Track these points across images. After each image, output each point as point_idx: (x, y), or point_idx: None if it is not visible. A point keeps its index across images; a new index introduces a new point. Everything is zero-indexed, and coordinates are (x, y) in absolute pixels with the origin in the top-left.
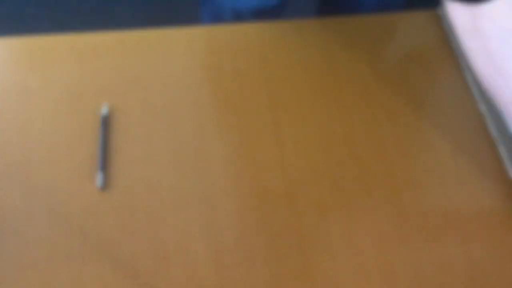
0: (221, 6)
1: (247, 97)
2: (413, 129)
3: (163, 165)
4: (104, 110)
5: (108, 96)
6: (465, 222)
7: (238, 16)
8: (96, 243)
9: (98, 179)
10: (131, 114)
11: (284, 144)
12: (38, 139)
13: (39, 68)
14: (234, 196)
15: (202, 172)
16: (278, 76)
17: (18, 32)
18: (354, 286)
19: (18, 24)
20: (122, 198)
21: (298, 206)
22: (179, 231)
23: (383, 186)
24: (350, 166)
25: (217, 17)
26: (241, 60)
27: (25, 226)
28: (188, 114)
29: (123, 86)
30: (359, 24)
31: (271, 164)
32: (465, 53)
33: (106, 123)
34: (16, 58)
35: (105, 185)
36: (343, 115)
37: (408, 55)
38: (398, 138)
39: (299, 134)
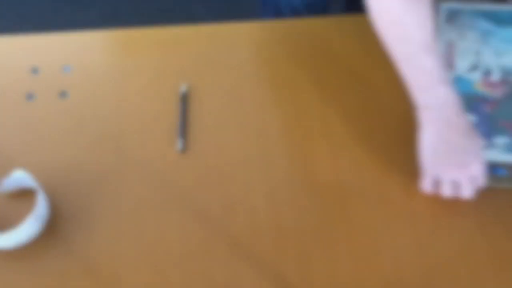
0: (279, 3)
1: (300, 84)
2: None
3: (231, 133)
4: (183, 88)
5: (186, 77)
6: None
7: (295, 12)
8: (176, 196)
9: (179, 144)
10: (205, 92)
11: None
12: (129, 112)
13: (131, 55)
14: (285, 159)
15: (261, 138)
16: (327, 68)
17: (113, 26)
18: None
19: (113, 19)
20: (198, 159)
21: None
22: (243, 186)
23: None
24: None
25: (277, 13)
26: (296, 50)
27: (119, 182)
28: (250, 93)
29: (198, 69)
30: None
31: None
32: None
33: (185, 99)
34: (113, 47)
35: (184, 149)
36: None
37: None
38: None
39: (347, 125)
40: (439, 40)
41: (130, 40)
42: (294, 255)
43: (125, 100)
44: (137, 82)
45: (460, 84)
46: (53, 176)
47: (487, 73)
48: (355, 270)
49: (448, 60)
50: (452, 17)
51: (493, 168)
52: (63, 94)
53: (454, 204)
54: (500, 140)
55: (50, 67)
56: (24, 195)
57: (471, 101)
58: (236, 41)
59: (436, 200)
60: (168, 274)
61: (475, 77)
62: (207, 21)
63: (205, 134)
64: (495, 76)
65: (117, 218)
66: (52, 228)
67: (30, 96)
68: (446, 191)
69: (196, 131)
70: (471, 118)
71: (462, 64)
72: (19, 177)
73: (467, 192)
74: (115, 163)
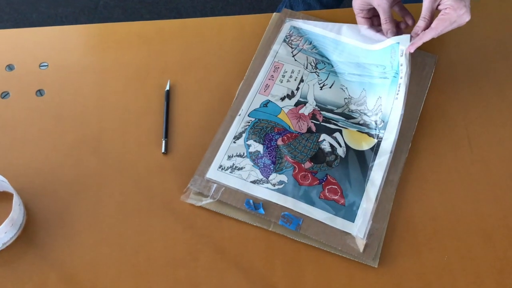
0: None
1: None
2: None
3: (216, 132)
4: (167, 86)
5: (170, 74)
6: None
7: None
8: (160, 200)
9: (162, 145)
10: (191, 88)
11: None
12: (111, 111)
13: (112, 50)
14: None
15: None
16: None
17: (94, 20)
18: None
19: (93, 13)
20: (183, 161)
21: None
22: None
23: None
24: None
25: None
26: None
27: (99, 185)
28: (237, 89)
29: (183, 65)
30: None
31: None
32: None
33: (168, 97)
34: (93, 42)
35: (168, 150)
36: None
37: None
38: None
39: None
40: (270, 56)
41: (111, 35)
42: (283, 263)
43: (105, 98)
44: (119, 79)
45: (270, 108)
46: (29, 178)
47: (300, 103)
48: (348, 277)
49: (268, 82)
50: (293, 37)
51: (255, 204)
52: (39, 92)
53: None
54: (277, 178)
55: (26, 64)
56: None
57: (270, 130)
58: (223, 35)
59: None
60: (151, 283)
61: (286, 104)
62: (193, 15)
63: (190, 134)
64: (308, 109)
65: (97, 223)
66: (28, 234)
67: (4, 94)
68: None
69: (181, 130)
70: (260, 147)
71: (279, 90)
72: None
73: None
74: (95, 165)
